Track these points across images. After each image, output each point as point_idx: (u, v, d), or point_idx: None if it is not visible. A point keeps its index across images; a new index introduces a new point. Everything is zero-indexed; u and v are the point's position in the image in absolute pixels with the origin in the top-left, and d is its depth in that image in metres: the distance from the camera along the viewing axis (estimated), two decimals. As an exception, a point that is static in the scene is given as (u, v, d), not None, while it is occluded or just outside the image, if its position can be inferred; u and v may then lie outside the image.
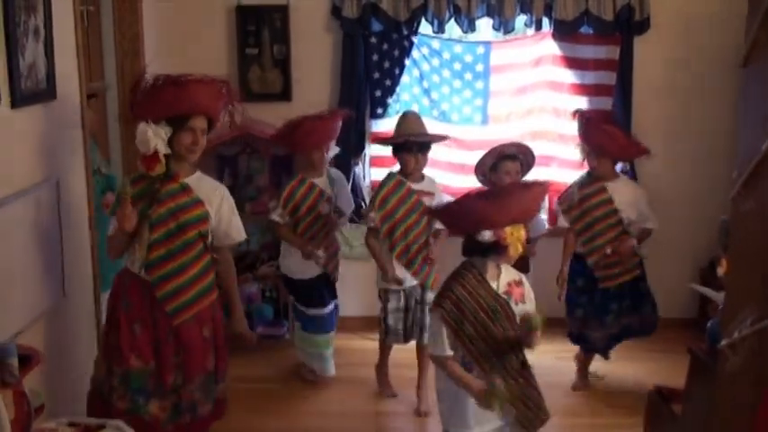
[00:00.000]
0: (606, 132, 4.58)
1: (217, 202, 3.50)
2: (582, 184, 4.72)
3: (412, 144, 4.47)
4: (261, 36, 5.51)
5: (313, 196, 4.70)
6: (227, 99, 3.50)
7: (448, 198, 4.49)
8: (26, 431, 2.70)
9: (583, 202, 4.66)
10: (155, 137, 3.30)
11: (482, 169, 4.77)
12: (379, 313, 4.65)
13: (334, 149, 4.84)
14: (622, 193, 4.65)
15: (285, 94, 5.52)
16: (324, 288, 4.83)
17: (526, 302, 3.33)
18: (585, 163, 4.71)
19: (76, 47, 3.94)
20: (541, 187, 3.38)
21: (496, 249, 3.21)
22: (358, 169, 5.57)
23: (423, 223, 4.48)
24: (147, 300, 3.40)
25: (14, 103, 3.26)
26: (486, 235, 3.20)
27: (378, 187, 4.61)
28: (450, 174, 5.55)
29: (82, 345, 3.98)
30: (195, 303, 3.43)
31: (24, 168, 3.42)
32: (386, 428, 4.56)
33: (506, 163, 4.68)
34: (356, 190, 5.50)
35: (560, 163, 5.55)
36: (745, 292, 2.04)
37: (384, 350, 4.79)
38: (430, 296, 4.38)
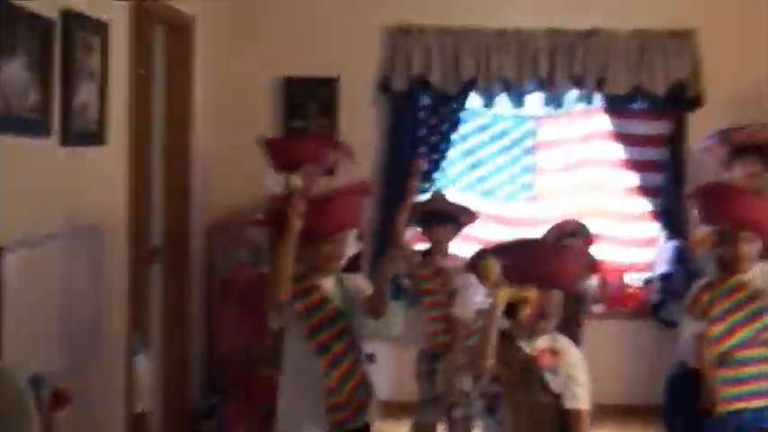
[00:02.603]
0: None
1: None
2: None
3: (436, 218, 4.25)
4: (307, 109, 5.51)
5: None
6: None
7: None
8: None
9: None
10: None
11: None
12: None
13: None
14: None
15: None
16: None
17: (556, 375, 2.89)
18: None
19: (129, 97, 3.92)
20: (569, 253, 3.13)
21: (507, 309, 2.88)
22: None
23: None
24: None
25: (64, 140, 3.21)
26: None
27: None
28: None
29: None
30: None
31: (67, 208, 3.33)
32: None
33: (567, 240, 4.52)
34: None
35: (609, 241, 5.38)
36: None
37: None
38: None
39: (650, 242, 5.49)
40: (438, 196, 4.51)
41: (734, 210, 3.32)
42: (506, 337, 2.93)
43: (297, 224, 2.81)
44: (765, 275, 3.37)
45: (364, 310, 3.12)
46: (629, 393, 5.18)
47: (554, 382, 2.87)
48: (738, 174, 4.51)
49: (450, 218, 4.32)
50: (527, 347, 2.92)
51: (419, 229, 4.37)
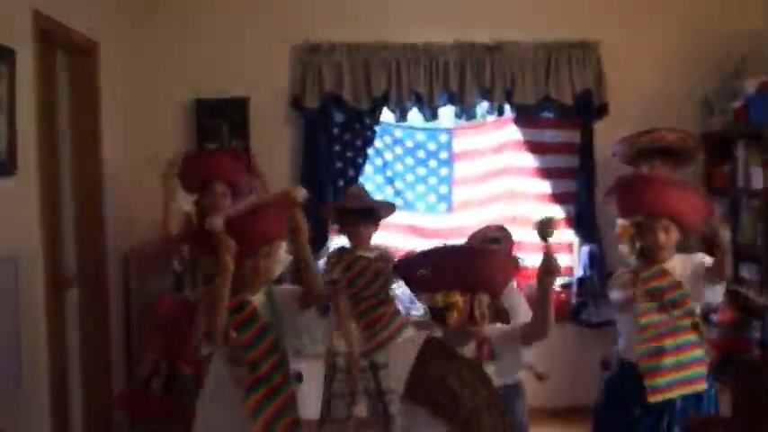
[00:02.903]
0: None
1: None
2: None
3: (354, 215, 4.26)
4: (220, 129, 5.43)
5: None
6: None
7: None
8: None
9: None
10: None
11: None
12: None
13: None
14: None
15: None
16: None
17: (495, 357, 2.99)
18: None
19: (37, 125, 3.78)
20: (491, 256, 3.08)
21: (435, 315, 2.94)
22: (320, 263, 5.38)
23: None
24: None
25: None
26: (422, 299, 3.00)
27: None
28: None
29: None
30: None
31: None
32: None
33: (490, 246, 4.56)
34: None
35: (527, 248, 5.47)
36: None
37: None
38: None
39: (566, 248, 5.61)
40: (357, 190, 4.49)
41: (648, 199, 3.45)
42: (444, 351, 2.94)
43: (230, 263, 2.92)
44: (685, 265, 3.49)
45: (299, 305, 3.15)
46: (552, 395, 5.27)
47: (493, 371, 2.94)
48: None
49: (370, 213, 4.31)
50: (463, 352, 2.94)
51: (339, 226, 4.39)
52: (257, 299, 3.13)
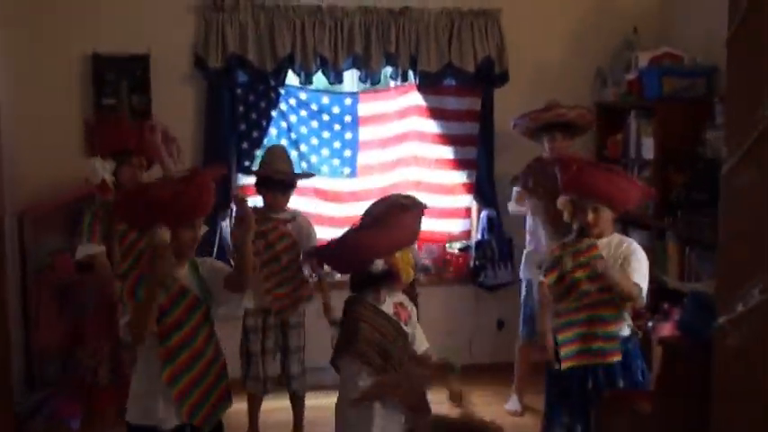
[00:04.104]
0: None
1: None
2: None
3: (276, 183, 4.38)
4: (119, 86, 5.28)
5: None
6: None
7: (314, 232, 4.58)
8: None
9: None
10: None
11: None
12: None
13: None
14: None
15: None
16: None
17: (409, 325, 3.32)
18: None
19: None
20: (418, 209, 3.35)
21: (389, 278, 3.20)
22: (225, 224, 5.36)
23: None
24: None
25: None
26: (379, 265, 3.17)
27: None
28: (320, 227, 5.45)
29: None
30: None
31: None
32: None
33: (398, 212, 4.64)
34: (224, 248, 5.28)
35: (430, 212, 5.58)
36: (742, 265, 2.07)
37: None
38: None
39: (465, 213, 5.76)
40: (279, 152, 4.55)
41: (579, 182, 3.64)
42: (376, 311, 3.23)
43: (169, 272, 2.92)
44: (612, 247, 3.67)
45: (225, 287, 3.09)
46: (451, 354, 5.39)
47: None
48: (546, 147, 4.84)
49: (291, 184, 4.45)
50: (384, 308, 3.25)
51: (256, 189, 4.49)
52: (183, 273, 3.07)
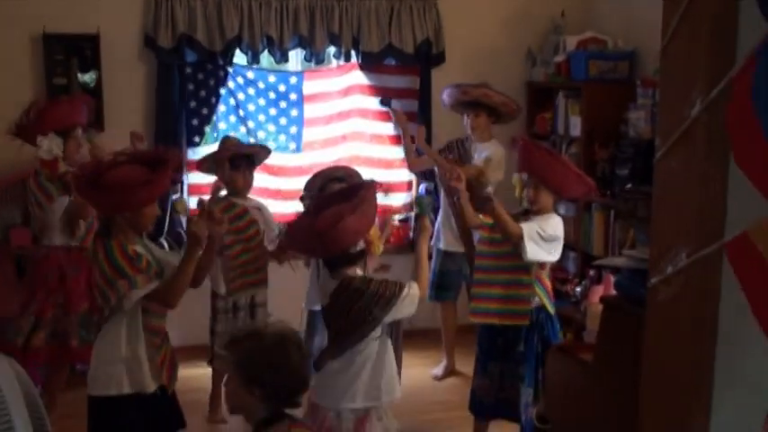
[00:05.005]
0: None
1: None
2: None
3: (240, 160, 4.51)
4: (70, 65, 5.41)
5: None
6: None
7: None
8: None
9: None
10: None
11: (310, 192, 4.95)
12: None
13: None
14: None
15: (97, 124, 5.42)
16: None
17: None
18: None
19: None
20: (372, 185, 3.45)
21: (364, 254, 3.37)
22: (175, 197, 5.56)
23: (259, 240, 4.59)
24: None
25: None
26: (360, 245, 3.31)
27: None
28: (267, 200, 5.70)
29: None
30: None
31: None
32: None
33: (334, 185, 4.90)
34: (174, 222, 5.49)
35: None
36: (671, 234, 2.50)
37: None
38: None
39: (405, 186, 6.09)
40: (230, 140, 4.75)
41: (529, 160, 3.98)
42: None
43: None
44: (544, 220, 3.95)
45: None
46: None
47: None
48: (467, 123, 5.19)
49: (248, 160, 4.57)
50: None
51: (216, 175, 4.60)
52: (140, 248, 3.21)
